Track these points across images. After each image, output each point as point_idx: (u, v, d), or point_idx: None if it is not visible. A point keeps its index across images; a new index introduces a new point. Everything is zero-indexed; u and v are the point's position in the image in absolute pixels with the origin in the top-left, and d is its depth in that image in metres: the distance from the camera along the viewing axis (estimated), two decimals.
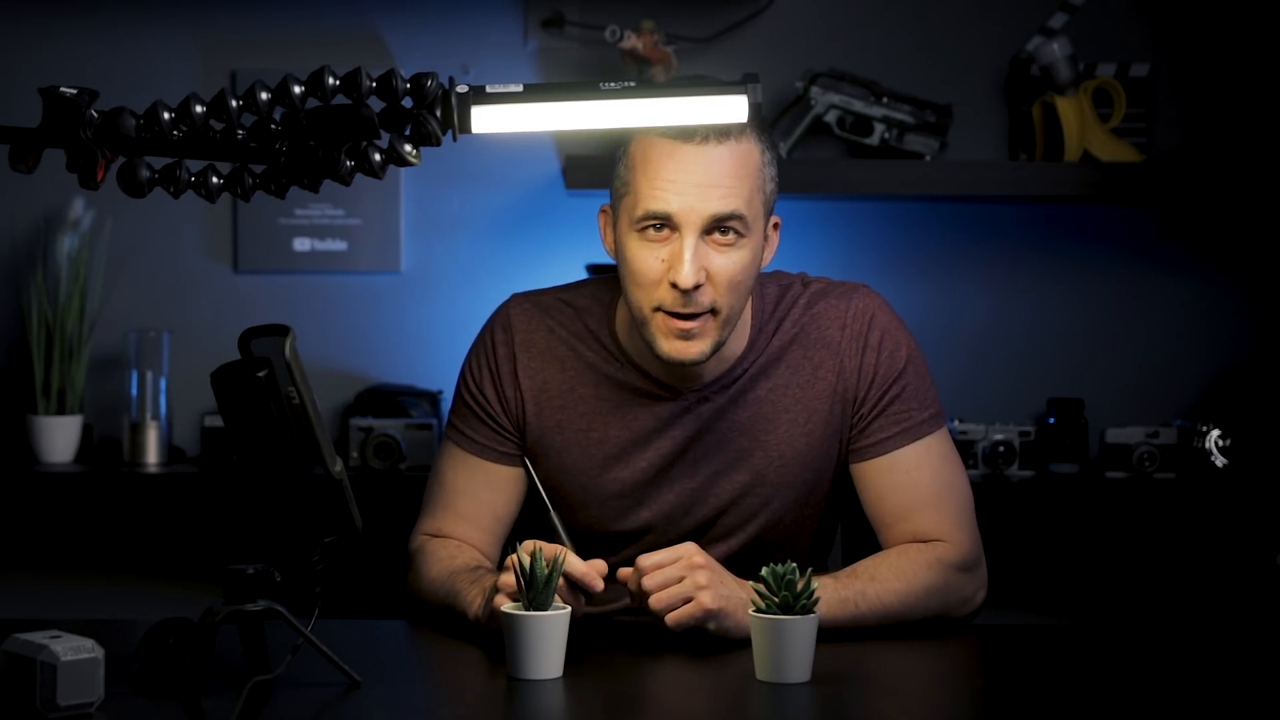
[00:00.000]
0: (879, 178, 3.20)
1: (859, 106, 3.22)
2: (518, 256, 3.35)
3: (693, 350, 2.06)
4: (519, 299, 2.25)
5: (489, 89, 1.68)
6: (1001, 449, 3.18)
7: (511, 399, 2.20)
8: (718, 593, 1.93)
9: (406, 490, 2.75)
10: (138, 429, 3.20)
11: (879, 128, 3.23)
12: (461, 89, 1.67)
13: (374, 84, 1.64)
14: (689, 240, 2.02)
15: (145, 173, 1.63)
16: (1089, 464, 3.27)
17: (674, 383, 2.16)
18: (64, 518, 3.29)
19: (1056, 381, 3.38)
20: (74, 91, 1.60)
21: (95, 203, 3.19)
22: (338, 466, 1.72)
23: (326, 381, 3.30)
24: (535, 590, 1.79)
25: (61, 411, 3.21)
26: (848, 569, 2.07)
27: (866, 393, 2.16)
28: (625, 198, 2.07)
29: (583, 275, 2.95)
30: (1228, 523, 3.16)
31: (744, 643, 1.85)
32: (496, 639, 1.83)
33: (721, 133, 2.01)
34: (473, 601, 1.99)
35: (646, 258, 2.04)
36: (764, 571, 1.80)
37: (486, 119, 1.68)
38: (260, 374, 1.68)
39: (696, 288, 2.02)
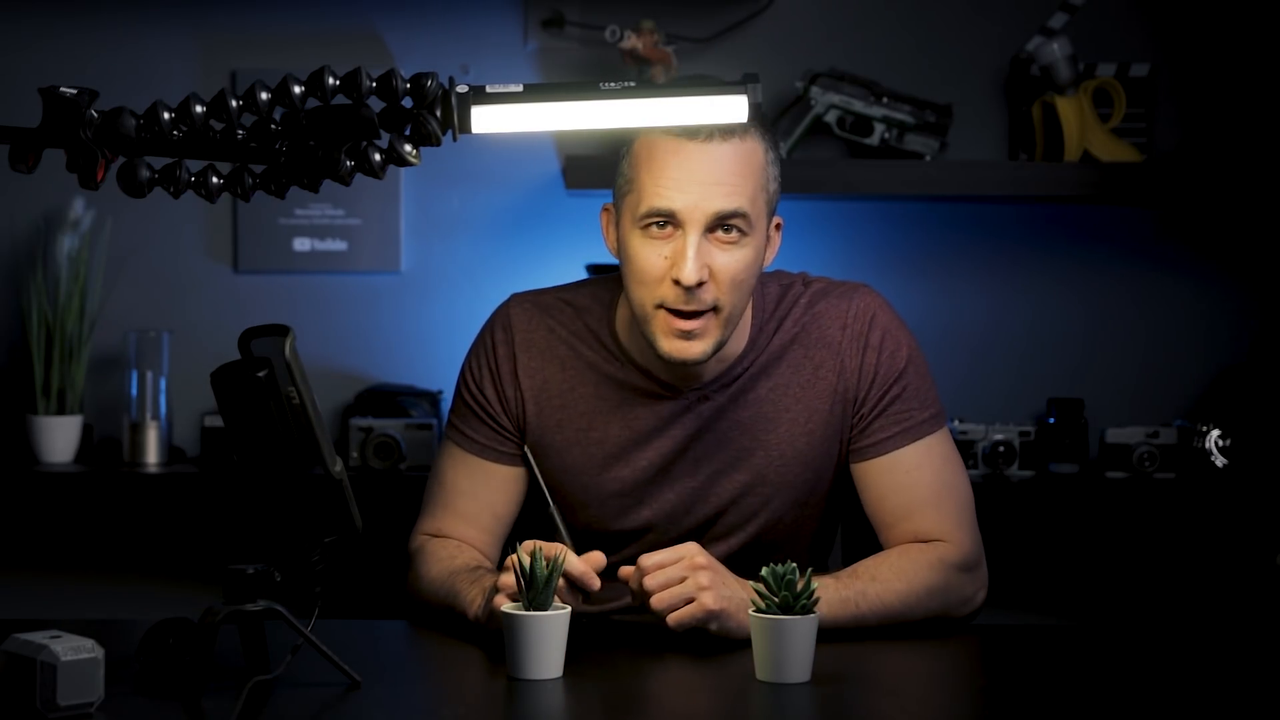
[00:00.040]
0: (879, 178, 3.20)
1: (859, 106, 3.22)
2: (518, 256, 3.35)
3: (694, 350, 2.06)
4: (519, 299, 2.25)
5: (489, 89, 1.68)
6: (1001, 449, 3.18)
7: (512, 399, 2.20)
8: (719, 594, 1.92)
9: (406, 490, 2.75)
10: (138, 429, 3.20)
11: (879, 128, 3.23)
12: (461, 89, 1.67)
13: (374, 84, 1.64)
14: (692, 237, 2.02)
15: (145, 173, 1.63)
16: (1089, 464, 3.27)
17: (674, 381, 2.16)
18: (64, 518, 3.29)
19: (1056, 381, 3.38)
20: (74, 91, 1.60)
21: (95, 203, 3.19)
22: (338, 466, 1.72)
23: (326, 381, 3.30)
24: (535, 590, 1.79)
25: (61, 411, 3.21)
26: (848, 569, 2.07)
27: (867, 392, 2.16)
28: (629, 195, 2.07)
29: (583, 275, 2.95)
30: (1228, 523, 3.16)
31: (744, 643, 1.86)
32: (496, 639, 1.83)
33: (726, 131, 2.02)
34: (473, 601, 1.99)
35: (650, 255, 2.05)
36: (764, 571, 1.80)
37: (486, 119, 1.68)
38: (260, 374, 1.68)
39: (699, 285, 2.02)
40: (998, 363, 3.41)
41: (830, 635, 1.91)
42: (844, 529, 2.36)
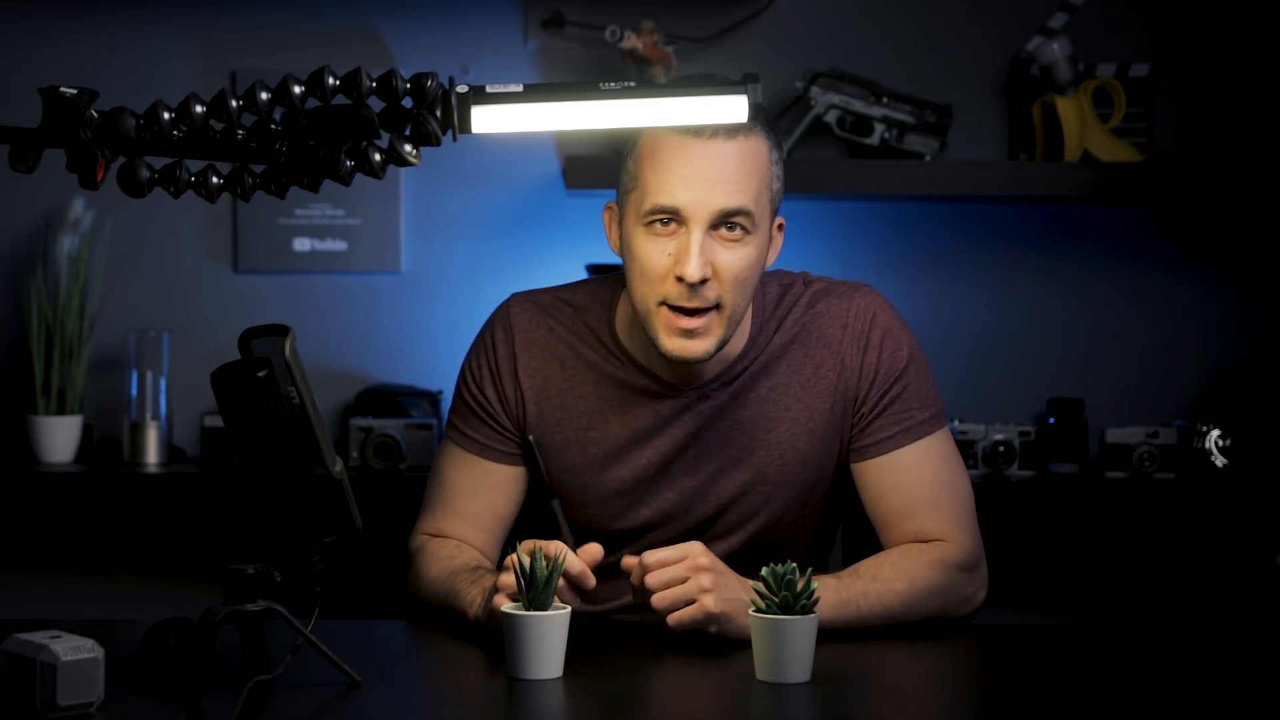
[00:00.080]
0: (879, 178, 3.20)
1: (859, 106, 3.22)
2: (518, 256, 3.35)
3: (697, 348, 2.06)
4: (519, 298, 2.25)
5: (489, 89, 1.68)
6: (1001, 449, 3.18)
7: (512, 398, 2.20)
8: (721, 596, 1.92)
9: (406, 490, 2.75)
10: (138, 429, 3.20)
11: (879, 128, 3.23)
12: (461, 89, 1.67)
13: (374, 84, 1.64)
14: (696, 234, 2.02)
15: (145, 173, 1.63)
16: (1089, 464, 3.27)
17: (674, 380, 2.16)
18: (64, 518, 3.29)
19: (1056, 381, 3.38)
20: (74, 91, 1.60)
21: (95, 203, 3.19)
22: (338, 466, 1.72)
23: (326, 381, 3.30)
24: (535, 590, 1.79)
25: (61, 411, 3.21)
26: (849, 569, 2.07)
27: (868, 392, 2.16)
28: (633, 192, 2.07)
29: (583, 275, 2.95)
30: (1228, 523, 3.16)
31: (744, 643, 1.85)
32: (496, 639, 1.83)
33: (731, 129, 2.02)
34: (472, 602, 1.99)
35: (653, 251, 2.05)
36: (764, 571, 1.80)
37: (486, 119, 1.68)
38: (260, 374, 1.68)
39: (703, 282, 2.03)
40: (998, 363, 3.41)
41: (830, 635, 1.91)
42: (844, 529, 2.36)
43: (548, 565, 1.80)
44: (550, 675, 1.79)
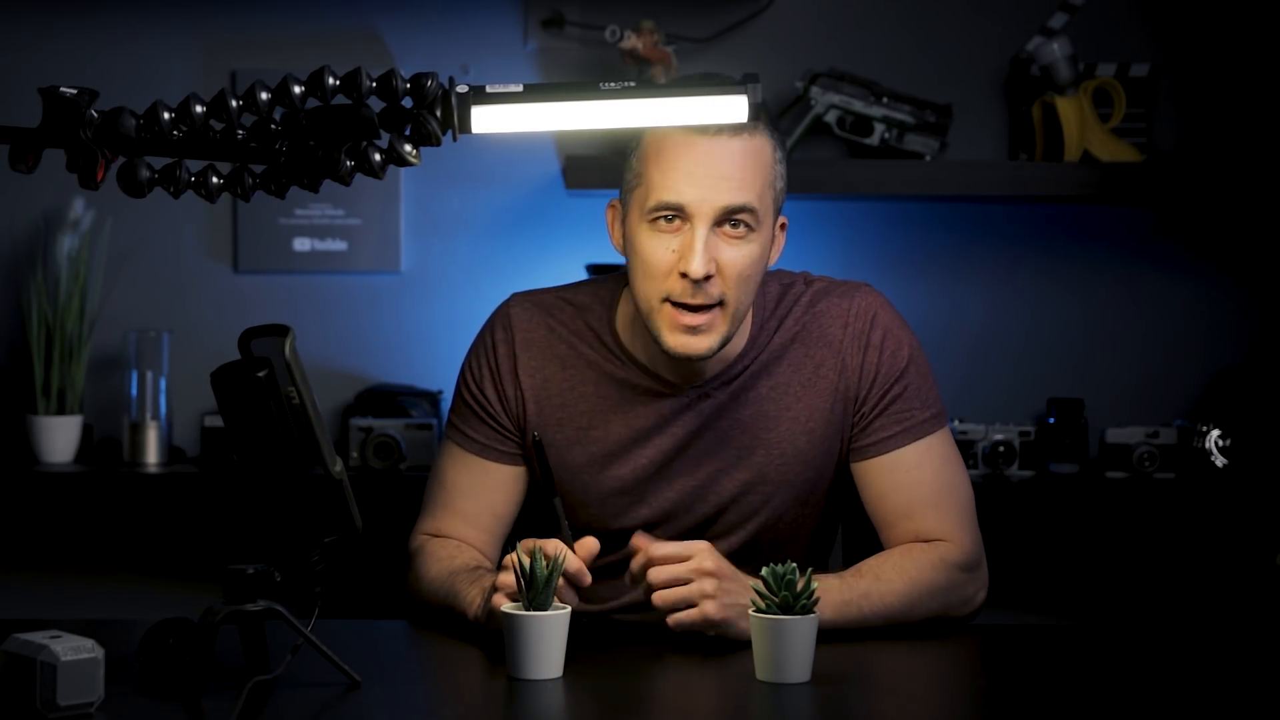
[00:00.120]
0: (879, 178, 3.20)
1: (859, 106, 3.22)
2: (518, 256, 3.35)
3: (700, 345, 2.06)
4: (519, 298, 2.25)
5: (489, 89, 1.68)
6: (1001, 449, 3.18)
7: (512, 398, 2.20)
8: (722, 602, 1.92)
9: (406, 490, 2.74)
10: (138, 429, 3.20)
11: (879, 128, 3.23)
12: (461, 89, 1.67)
13: (374, 84, 1.64)
14: (700, 231, 2.03)
15: (145, 173, 1.63)
16: (1089, 464, 3.27)
17: (675, 379, 2.16)
18: (64, 518, 3.29)
19: (1056, 381, 3.38)
20: (74, 91, 1.60)
21: (95, 203, 3.19)
22: (338, 466, 1.72)
23: (326, 381, 3.30)
24: (535, 590, 1.79)
25: (61, 411, 3.21)
26: (852, 569, 2.06)
27: (868, 392, 2.16)
28: (637, 189, 2.07)
29: (583, 275, 2.95)
30: (1228, 523, 3.16)
31: (744, 643, 1.86)
32: (496, 639, 1.83)
33: (735, 127, 2.02)
34: (472, 602, 1.99)
35: (657, 248, 2.05)
36: (764, 571, 1.80)
37: (486, 119, 1.68)
38: (260, 374, 1.68)
39: (707, 278, 2.03)
40: (998, 363, 3.41)
41: (831, 635, 1.91)
42: (844, 529, 2.36)
43: (548, 565, 1.80)
44: (550, 675, 1.79)
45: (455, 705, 1.80)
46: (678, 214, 2.04)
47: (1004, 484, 3.16)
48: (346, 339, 3.37)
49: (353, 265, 3.37)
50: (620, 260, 2.15)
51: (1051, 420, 3.25)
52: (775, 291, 2.20)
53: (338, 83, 1.63)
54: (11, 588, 3.25)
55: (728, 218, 2.04)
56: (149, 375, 3.21)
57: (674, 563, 1.94)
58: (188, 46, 3.34)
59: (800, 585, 1.79)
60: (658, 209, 2.04)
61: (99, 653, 1.63)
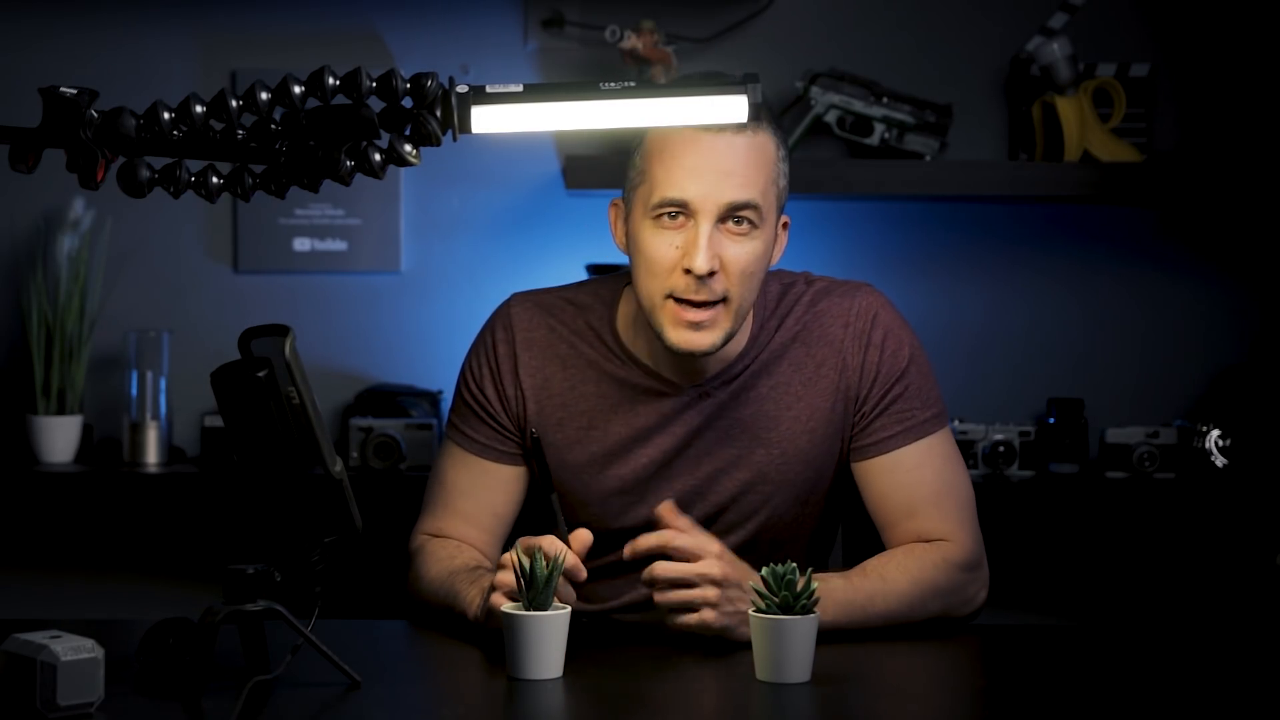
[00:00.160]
0: (879, 178, 3.20)
1: (859, 106, 3.22)
2: (518, 256, 3.35)
3: (704, 340, 2.06)
4: (519, 298, 2.25)
5: (489, 89, 1.68)
6: (1001, 449, 3.18)
7: (512, 398, 2.20)
8: (724, 610, 1.92)
9: (406, 490, 2.75)
10: (138, 429, 3.20)
11: (879, 128, 3.23)
12: (461, 89, 1.67)
13: (374, 84, 1.64)
14: (704, 227, 2.03)
15: (145, 173, 1.63)
16: (1089, 464, 3.27)
17: (676, 378, 2.16)
18: (64, 518, 3.29)
19: (1056, 381, 3.38)
20: (74, 91, 1.60)
21: (95, 203, 3.19)
22: (338, 466, 1.72)
23: (326, 381, 3.30)
24: (535, 590, 1.79)
25: (61, 411, 3.21)
26: (858, 569, 2.06)
27: (869, 391, 2.16)
28: (641, 186, 2.07)
29: (583, 275, 2.95)
30: (1228, 523, 3.16)
31: (744, 643, 1.86)
32: (496, 639, 1.83)
33: (739, 124, 2.02)
34: (472, 602, 1.99)
35: (661, 244, 2.05)
36: (764, 571, 1.80)
37: (486, 119, 1.68)
38: (260, 374, 1.68)
39: (711, 274, 2.03)
40: (998, 363, 3.41)
41: (832, 635, 1.91)
42: (844, 529, 2.36)
43: (548, 565, 1.80)
44: (550, 675, 1.79)
45: (455, 705, 1.80)
46: (681, 210, 2.04)
47: (1004, 484, 3.16)
48: (346, 339, 3.37)
49: (353, 265, 3.37)
50: (621, 260, 2.15)
51: (1051, 420, 3.25)
52: (776, 291, 2.20)
53: (338, 83, 1.63)
54: (11, 588, 3.25)
55: (731, 214, 2.04)
56: (149, 375, 3.21)
57: (684, 558, 1.94)
58: (188, 46, 3.34)
59: (800, 585, 1.79)
60: (662, 205, 2.05)
61: (99, 653, 1.63)
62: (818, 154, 3.30)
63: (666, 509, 1.99)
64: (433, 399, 3.27)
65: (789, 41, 3.34)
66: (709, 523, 2.18)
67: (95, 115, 1.60)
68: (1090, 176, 3.18)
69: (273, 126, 1.65)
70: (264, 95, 1.61)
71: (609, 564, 2.18)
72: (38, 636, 1.62)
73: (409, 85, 1.65)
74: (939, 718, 1.79)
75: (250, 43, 3.33)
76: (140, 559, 3.31)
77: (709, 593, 1.92)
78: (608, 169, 3.06)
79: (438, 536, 2.19)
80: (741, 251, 2.05)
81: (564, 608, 1.80)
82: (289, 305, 3.35)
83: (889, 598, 2.03)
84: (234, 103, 1.61)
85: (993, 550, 2.18)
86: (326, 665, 1.75)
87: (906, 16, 3.37)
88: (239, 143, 1.64)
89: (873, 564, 2.07)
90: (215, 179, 1.65)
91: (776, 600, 1.78)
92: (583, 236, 3.29)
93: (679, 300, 2.05)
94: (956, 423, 3.18)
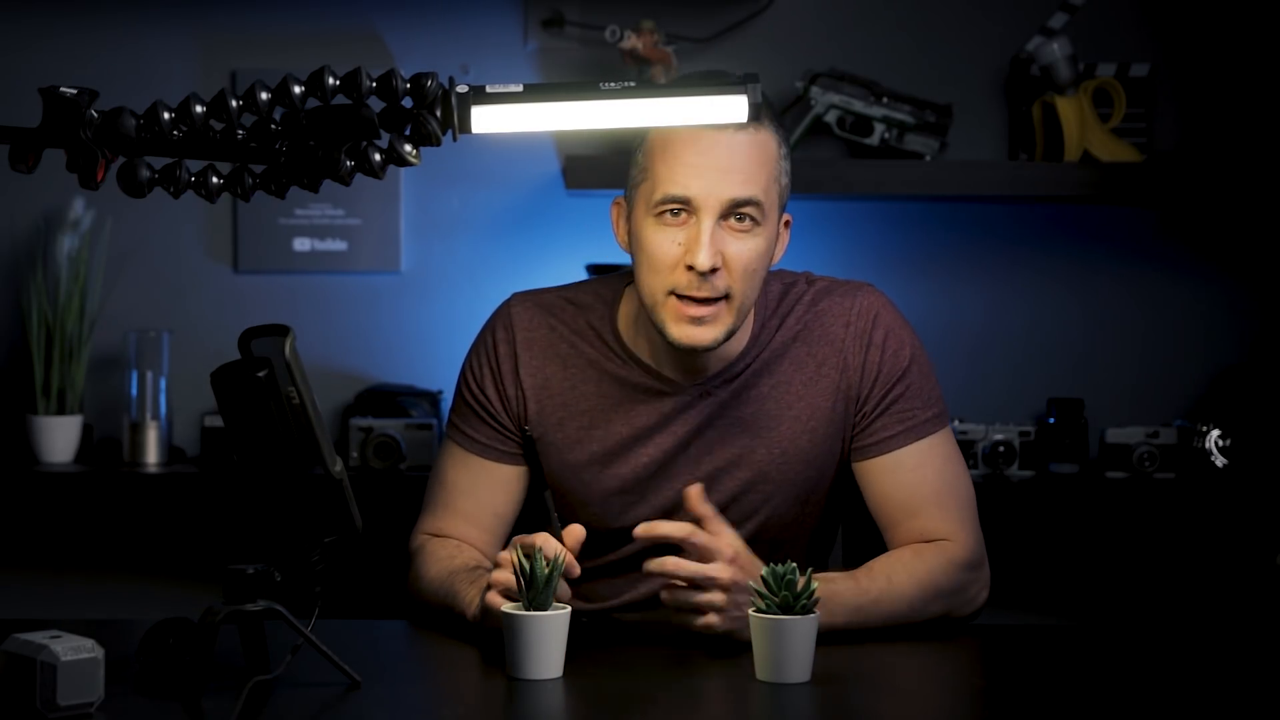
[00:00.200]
0: (879, 178, 3.20)
1: (859, 106, 3.22)
2: (518, 256, 3.35)
3: (705, 335, 2.06)
4: (520, 298, 2.25)
5: (489, 89, 1.68)
6: (1001, 449, 3.18)
7: (513, 397, 2.20)
8: (730, 615, 1.92)
9: (406, 490, 2.75)
10: (138, 429, 3.20)
11: (879, 128, 3.23)
12: (461, 89, 1.67)
13: (374, 84, 1.64)
14: (706, 223, 2.03)
15: (145, 173, 1.63)
16: (1089, 464, 3.27)
17: (677, 377, 2.16)
18: (64, 518, 3.29)
19: (1056, 381, 3.38)
20: (74, 91, 1.60)
21: (95, 203, 3.19)
22: (338, 466, 1.72)
23: (326, 381, 3.30)
24: (535, 590, 1.79)
25: (61, 411, 3.21)
26: (864, 569, 2.06)
27: (870, 391, 2.16)
28: (643, 184, 2.08)
29: (583, 275, 2.95)
30: (1228, 523, 3.16)
31: (744, 643, 1.85)
32: (496, 638, 1.83)
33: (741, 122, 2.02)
34: (471, 602, 1.99)
35: (663, 241, 2.05)
36: (764, 571, 1.80)
37: (486, 119, 1.68)
38: (260, 374, 1.68)
39: (713, 271, 2.03)
40: (998, 363, 3.41)
41: (834, 635, 1.92)
42: (844, 528, 2.36)
43: (548, 565, 1.80)
44: (550, 675, 1.79)
45: (455, 705, 1.80)
46: (684, 207, 2.04)
47: (1004, 484, 3.16)
48: (346, 339, 3.37)
49: (353, 265, 3.37)
50: (621, 260, 2.15)
51: (1051, 420, 3.25)
52: (777, 290, 2.20)
53: (338, 83, 1.63)
54: (11, 588, 3.25)
55: (733, 211, 2.04)
56: (149, 375, 3.21)
57: (699, 555, 1.93)
58: (188, 46, 3.34)
59: (800, 585, 1.79)
60: (664, 202, 2.05)
61: (99, 653, 1.63)
62: (818, 154, 3.30)
63: (695, 494, 1.97)
64: (433, 399, 3.27)
65: (789, 41, 3.34)
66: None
67: (95, 115, 1.60)
68: (1090, 176, 3.18)
69: (273, 126, 1.65)
70: (264, 95, 1.61)
71: (609, 563, 2.19)
72: (38, 636, 1.62)
73: (409, 85, 1.65)
74: (939, 718, 1.79)
75: (250, 43, 3.33)
76: (140, 559, 3.31)
77: (716, 598, 1.92)
78: (608, 169, 3.06)
79: (438, 536, 2.19)
80: (743, 248, 2.05)
81: (564, 608, 1.80)
82: (289, 305, 3.35)
83: (894, 600, 2.03)
84: (234, 103, 1.61)
85: (993, 550, 2.18)
86: (326, 665, 1.75)
87: (906, 16, 3.37)
88: (239, 143, 1.64)
89: (879, 565, 2.07)
90: (215, 179, 1.65)
91: (776, 600, 1.78)
92: (583, 236, 3.29)
93: (681, 297, 2.05)
94: (956, 423, 3.18)
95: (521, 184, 3.37)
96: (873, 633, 2.01)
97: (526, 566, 1.79)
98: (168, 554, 3.29)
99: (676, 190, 2.04)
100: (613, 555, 2.19)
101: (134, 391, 3.21)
